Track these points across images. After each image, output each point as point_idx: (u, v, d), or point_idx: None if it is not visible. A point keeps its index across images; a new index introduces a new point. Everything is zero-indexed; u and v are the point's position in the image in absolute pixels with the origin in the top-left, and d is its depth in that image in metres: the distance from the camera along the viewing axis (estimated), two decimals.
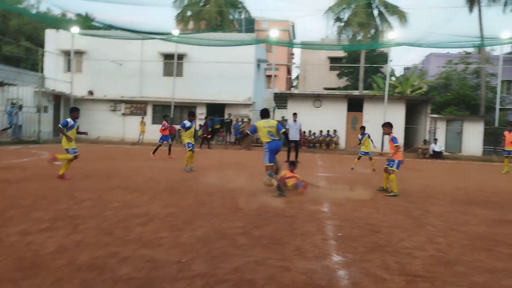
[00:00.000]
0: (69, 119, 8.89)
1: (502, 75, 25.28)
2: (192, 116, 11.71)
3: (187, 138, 11.43)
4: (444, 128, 24.61)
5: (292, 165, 8.91)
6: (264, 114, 8.14)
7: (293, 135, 15.12)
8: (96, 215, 5.33)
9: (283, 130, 7.95)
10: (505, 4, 28.40)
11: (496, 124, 24.22)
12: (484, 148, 24.63)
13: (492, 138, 24.58)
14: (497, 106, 24.59)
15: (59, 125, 8.98)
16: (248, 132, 8.17)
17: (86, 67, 27.80)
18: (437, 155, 22.04)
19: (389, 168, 8.32)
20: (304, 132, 21.58)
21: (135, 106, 27.42)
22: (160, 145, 15.12)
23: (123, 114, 27.28)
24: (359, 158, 13.62)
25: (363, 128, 13.98)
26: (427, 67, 33.98)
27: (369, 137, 13.55)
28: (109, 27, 26.42)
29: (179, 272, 3.39)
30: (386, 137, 20.37)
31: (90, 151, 17.75)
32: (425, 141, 23.09)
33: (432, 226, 5.47)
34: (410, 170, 14.14)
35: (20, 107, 21.66)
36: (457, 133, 24.53)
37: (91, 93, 27.56)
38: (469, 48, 33.48)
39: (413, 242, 4.58)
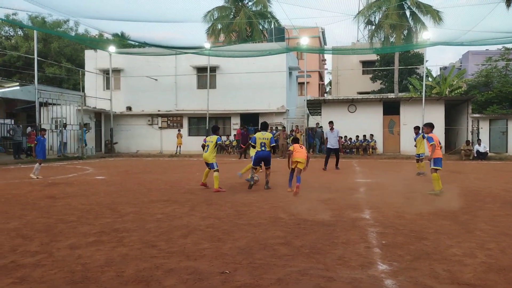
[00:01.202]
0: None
1: None
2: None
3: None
4: (487, 128, 23.58)
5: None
6: (263, 127, 9.74)
7: (332, 144, 15.32)
8: (139, 228, 5.47)
9: (274, 144, 9.54)
10: None
11: None
12: None
13: None
14: None
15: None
16: (251, 143, 9.69)
17: (124, 84, 28.81)
18: (481, 156, 21.11)
19: (431, 167, 8.51)
20: (341, 137, 21.24)
21: (171, 119, 28.07)
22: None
23: (160, 128, 27.98)
24: (418, 162, 13.18)
25: (417, 128, 13.78)
26: (465, 66, 32.83)
27: (423, 137, 12.91)
28: (144, 44, 27.25)
29: (223, 283, 3.40)
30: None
31: (130, 164, 18.30)
32: (468, 142, 22.18)
33: (481, 231, 5.23)
34: (454, 172, 13.62)
35: (65, 126, 22.67)
36: (501, 132, 23.42)
37: (129, 108, 28.48)
38: (509, 44, 32.00)
39: (462, 248, 4.40)
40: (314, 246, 4.50)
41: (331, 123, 15.82)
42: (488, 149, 22.03)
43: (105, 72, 28.34)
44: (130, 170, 15.49)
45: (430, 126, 8.94)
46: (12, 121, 26.04)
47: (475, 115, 23.88)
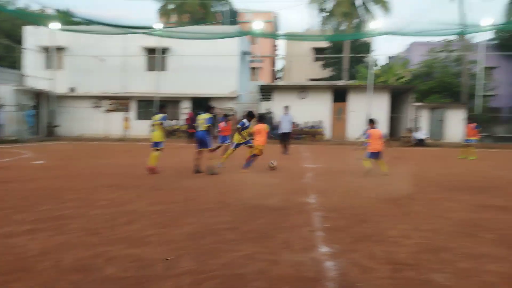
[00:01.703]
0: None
1: (483, 62, 25.65)
2: (251, 117, 10.73)
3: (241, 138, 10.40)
4: (427, 116, 24.94)
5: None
6: (204, 108, 10.16)
7: (285, 127, 15.68)
8: (81, 215, 5.26)
9: (209, 124, 9.67)
10: None
11: (478, 111, 24.63)
12: None
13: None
14: (479, 93, 24.99)
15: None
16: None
17: (67, 63, 27.28)
18: (420, 142, 22.33)
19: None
20: (294, 123, 21.60)
21: (119, 102, 27.05)
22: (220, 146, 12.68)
23: (107, 111, 26.90)
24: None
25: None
26: (410, 56, 34.28)
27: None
28: (90, 22, 25.90)
29: (167, 270, 3.37)
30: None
31: (73, 149, 17.50)
32: (408, 129, 23.36)
33: (417, 213, 5.54)
34: (394, 158, 14.29)
35: (0, 106, 21.20)
36: (439, 120, 24.87)
37: (72, 90, 27.08)
38: (451, 36, 33.82)
39: (399, 230, 4.64)
40: (261, 231, 4.56)
41: (286, 107, 16.16)
42: (427, 136, 23.33)
43: (47, 50, 26.66)
44: (73, 155, 14.83)
45: (372, 122, 10.09)
46: None
47: (417, 104, 25.13)
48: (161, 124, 9.54)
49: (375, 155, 9.67)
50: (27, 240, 4.11)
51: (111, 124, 26.48)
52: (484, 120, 27.80)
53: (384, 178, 8.99)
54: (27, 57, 27.40)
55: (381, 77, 31.94)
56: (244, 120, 10.68)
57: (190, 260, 3.58)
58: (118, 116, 26.18)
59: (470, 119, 16.13)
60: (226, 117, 13.08)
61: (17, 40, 30.70)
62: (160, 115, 9.63)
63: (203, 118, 9.71)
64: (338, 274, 3.30)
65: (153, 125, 9.69)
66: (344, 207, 5.86)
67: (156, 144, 9.56)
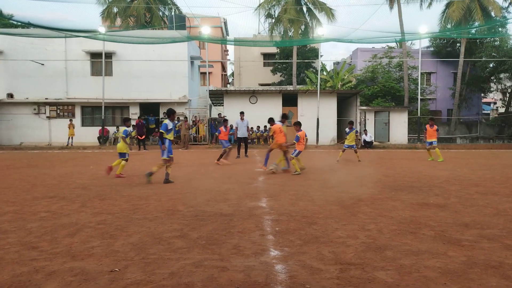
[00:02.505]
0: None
1: (421, 68, 27.21)
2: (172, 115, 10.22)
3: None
4: (372, 119, 26.02)
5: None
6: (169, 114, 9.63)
7: (242, 133, 16.34)
8: (18, 228, 4.93)
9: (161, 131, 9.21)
10: (421, 1, 30.57)
11: (419, 114, 26.07)
12: (409, 136, 26.45)
13: (416, 127, 26.44)
14: (419, 97, 26.46)
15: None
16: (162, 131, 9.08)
17: (3, 68, 25.64)
18: (368, 145, 23.22)
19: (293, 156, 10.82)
20: (250, 127, 21.77)
21: (62, 108, 25.82)
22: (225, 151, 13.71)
23: (49, 117, 25.59)
24: (343, 151, 15.15)
25: (351, 123, 15.27)
26: (355, 62, 35.67)
27: (356, 132, 15.13)
28: (28, 24, 24.54)
29: (112, 282, 3.23)
30: (320, 131, 21.27)
31: (11, 158, 16.45)
32: (356, 132, 24.21)
33: (364, 214, 5.73)
34: (344, 161, 14.75)
35: None
36: (384, 123, 26.02)
37: (10, 95, 25.49)
38: (392, 43, 35.65)
39: (347, 231, 4.77)
40: (211, 237, 4.50)
41: (242, 113, 16.63)
42: (373, 138, 24.32)
43: None
44: (11, 164, 13.93)
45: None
46: None
47: (362, 108, 26.15)
48: (124, 137, 10.27)
49: (300, 153, 10.97)
50: None
51: (54, 131, 25.23)
52: (425, 122, 29.49)
53: (334, 180, 9.24)
54: None
55: (329, 82, 32.94)
56: (168, 122, 10.13)
57: (137, 271, 3.46)
58: (61, 122, 24.98)
59: (432, 120, 15.82)
60: (225, 122, 14.64)
61: None
62: (123, 129, 10.46)
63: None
64: (287, 277, 3.32)
65: (116, 137, 10.44)
66: (294, 210, 5.94)
67: (121, 155, 10.32)
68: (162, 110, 25.51)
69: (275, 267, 3.55)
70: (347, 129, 15.10)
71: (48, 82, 25.32)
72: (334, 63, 41.35)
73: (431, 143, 15.25)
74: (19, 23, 29.51)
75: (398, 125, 25.92)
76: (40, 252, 3.99)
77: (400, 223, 5.13)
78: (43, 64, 25.20)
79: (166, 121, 9.20)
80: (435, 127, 15.39)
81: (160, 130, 9.11)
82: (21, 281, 3.26)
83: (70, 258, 3.81)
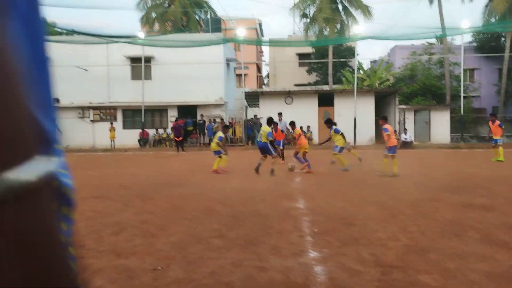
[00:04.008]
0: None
1: (464, 64, 26.16)
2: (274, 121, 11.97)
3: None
4: (412, 118, 25.28)
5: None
6: (267, 122, 11.31)
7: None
8: None
9: (271, 138, 10.75)
10: None
11: (462, 112, 25.06)
12: (451, 135, 25.46)
13: (459, 126, 25.43)
14: (462, 94, 25.44)
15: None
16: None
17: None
18: (407, 145, 22.60)
19: (391, 155, 10.18)
20: (288, 128, 21.62)
21: (104, 112, 26.83)
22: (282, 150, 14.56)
23: (92, 121, 26.64)
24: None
25: (329, 121, 13.32)
26: (393, 59, 34.79)
27: (336, 131, 12.61)
28: (72, 32, 25.68)
29: (155, 280, 3.33)
30: (358, 131, 20.68)
31: None
32: (395, 132, 23.63)
33: (405, 215, 5.59)
34: (381, 161, 14.41)
35: None
36: (425, 122, 25.23)
37: (57, 100, 26.75)
38: (432, 39, 34.48)
39: (387, 232, 4.67)
40: (249, 237, 4.54)
41: (280, 114, 16.40)
42: (413, 138, 23.63)
43: None
44: None
45: (384, 119, 10.80)
46: None
47: (401, 106, 25.47)
48: (218, 142, 11.13)
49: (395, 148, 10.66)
50: None
51: (98, 134, 26.24)
52: (468, 121, 28.31)
53: (373, 180, 9.07)
54: None
55: (366, 81, 32.33)
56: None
57: (178, 269, 3.55)
58: (104, 126, 25.94)
59: (493, 115, 14.61)
60: (275, 124, 14.08)
61: None
62: (219, 134, 11.38)
63: (264, 131, 10.80)
64: (327, 279, 3.30)
65: (211, 139, 11.68)
66: (332, 211, 5.89)
67: (216, 152, 11.35)
68: (199, 112, 25.94)
69: (314, 268, 3.54)
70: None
71: (91, 87, 26.38)
72: (371, 62, 40.53)
73: (496, 141, 13.99)
74: (63, 31, 30.91)
75: (440, 124, 25.03)
76: (87, 250, 4.17)
77: (443, 225, 4.97)
78: (86, 70, 26.28)
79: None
80: (497, 122, 14.05)
81: (270, 139, 10.67)
82: None
83: (115, 256, 3.96)
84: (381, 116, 11.21)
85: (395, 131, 23.58)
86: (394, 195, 7.17)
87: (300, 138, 11.72)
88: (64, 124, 26.36)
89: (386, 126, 10.33)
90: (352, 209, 6.02)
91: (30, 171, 0.36)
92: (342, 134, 12.24)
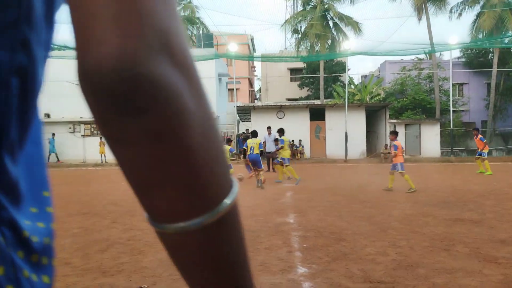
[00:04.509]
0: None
1: (453, 79, 26.57)
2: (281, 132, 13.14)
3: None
4: (403, 132, 25.48)
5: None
6: (253, 134, 11.91)
7: (269, 147, 16.25)
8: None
9: (262, 149, 11.51)
10: (451, 11, 30.05)
11: (451, 126, 25.35)
12: (442, 149, 25.69)
13: (449, 139, 25.69)
14: (451, 108, 25.77)
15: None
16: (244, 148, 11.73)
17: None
18: None
19: (395, 172, 9.91)
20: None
21: (95, 127, 26.61)
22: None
23: (83, 136, 26.48)
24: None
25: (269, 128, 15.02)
26: (383, 74, 35.26)
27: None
28: (65, 47, 25.69)
29: None
30: (349, 145, 20.76)
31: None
32: (386, 146, 23.78)
33: (394, 230, 5.58)
34: (372, 175, 14.48)
35: None
36: (415, 136, 25.45)
37: (47, 115, 26.60)
38: (421, 55, 35.06)
39: (376, 247, 4.66)
40: None
41: (269, 128, 16.55)
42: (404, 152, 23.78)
43: None
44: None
45: (395, 134, 10.39)
46: None
47: (392, 120, 25.70)
48: (229, 153, 11.98)
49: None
50: None
51: (88, 149, 26.05)
52: (458, 135, 28.64)
53: (362, 195, 9.08)
54: None
55: (357, 96, 32.66)
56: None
57: (165, 287, 3.50)
58: (95, 140, 25.77)
59: (476, 130, 15.03)
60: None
61: None
62: (229, 147, 12.16)
63: (255, 143, 11.30)
64: None
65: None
66: (322, 226, 5.86)
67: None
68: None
69: (302, 285, 3.50)
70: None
71: (82, 101, 26.18)
72: (362, 77, 41.03)
73: (480, 154, 14.39)
74: (55, 46, 30.90)
75: (430, 138, 25.26)
76: (73, 268, 4.09)
77: (432, 240, 4.97)
78: (78, 85, 26.21)
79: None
80: (479, 136, 14.49)
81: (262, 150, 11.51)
82: None
83: (100, 274, 3.89)
84: (391, 131, 10.96)
85: (387, 145, 23.77)
86: (384, 210, 7.17)
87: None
88: (55, 139, 26.17)
89: (396, 143, 10.12)
90: (342, 224, 6.01)
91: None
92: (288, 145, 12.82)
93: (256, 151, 11.12)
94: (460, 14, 30.13)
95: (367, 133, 25.33)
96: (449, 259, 4.15)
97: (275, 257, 4.32)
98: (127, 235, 5.54)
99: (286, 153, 12.59)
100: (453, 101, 26.73)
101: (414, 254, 4.39)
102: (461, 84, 35.10)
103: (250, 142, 11.39)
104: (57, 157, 24.98)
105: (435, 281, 3.54)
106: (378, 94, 32.98)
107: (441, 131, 25.75)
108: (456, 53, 35.31)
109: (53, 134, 25.70)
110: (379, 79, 33.96)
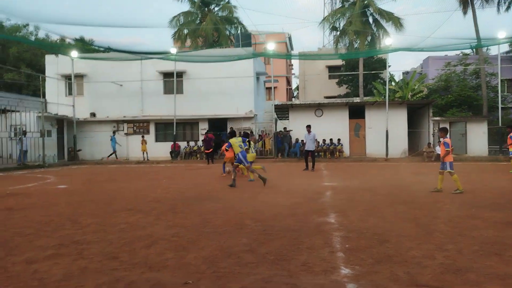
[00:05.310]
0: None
1: (501, 74, 25.25)
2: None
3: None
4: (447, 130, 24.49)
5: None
6: (233, 134, 11.75)
7: (309, 146, 16.40)
8: (100, 239, 5.31)
9: (246, 141, 11.81)
10: (498, 4, 28.57)
11: (500, 124, 24.10)
12: (489, 148, 24.48)
13: (497, 138, 24.44)
14: (500, 105, 24.52)
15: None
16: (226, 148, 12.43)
17: (87, 89, 28.04)
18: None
19: (445, 171, 9.40)
20: (317, 140, 21.35)
21: (138, 125, 27.56)
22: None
23: (126, 134, 27.39)
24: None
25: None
26: (426, 71, 34.05)
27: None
28: (108, 49, 26.66)
29: None
30: (390, 143, 20.30)
31: (94, 172, 17.79)
32: (429, 144, 22.99)
33: (440, 232, 5.39)
34: (415, 174, 14.05)
35: (24, 133, 21.80)
36: (461, 134, 24.42)
37: (93, 114, 27.74)
38: (467, 50, 33.54)
39: (422, 250, 4.52)
40: (279, 253, 4.50)
41: (308, 126, 16.56)
42: None
43: (67, 77, 27.48)
44: (94, 178, 15.06)
45: (444, 131, 9.91)
46: None
47: (435, 118, 24.77)
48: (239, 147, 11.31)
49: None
50: (50, 266, 4.16)
51: (131, 147, 26.91)
52: (507, 133, 27.20)
53: (406, 195, 8.84)
54: (49, 85, 28.27)
55: (398, 93, 31.75)
56: None
57: (209, 284, 3.55)
58: (138, 139, 26.60)
59: (509, 127, 14.67)
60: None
61: (39, 69, 31.77)
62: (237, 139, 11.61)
63: (240, 141, 11.33)
64: None
65: (246, 148, 12.06)
66: (364, 227, 5.76)
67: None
68: (229, 125, 26.18)
69: (346, 286, 3.46)
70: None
71: (126, 101, 27.22)
72: (403, 73, 39.85)
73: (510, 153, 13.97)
74: (100, 48, 32.12)
75: (477, 136, 24.14)
76: (120, 263, 4.25)
77: (482, 244, 4.76)
78: (121, 85, 27.16)
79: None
80: (510, 133, 14.05)
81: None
82: None
83: (147, 269, 4.02)
84: (440, 128, 10.43)
85: (430, 144, 22.96)
86: (429, 211, 6.94)
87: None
88: (100, 137, 27.23)
89: (447, 140, 9.65)
90: (385, 225, 5.87)
91: None
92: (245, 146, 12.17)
93: (243, 149, 11.36)
94: (508, 7, 28.59)
95: (409, 131, 24.58)
96: (501, 264, 3.96)
97: (317, 257, 4.29)
98: (171, 231, 5.68)
99: (249, 156, 12.41)
100: (501, 97, 25.41)
101: (462, 258, 4.22)
102: (510, 80, 33.29)
103: (236, 140, 11.34)
104: (116, 155, 25.84)
105: (486, 287, 3.39)
106: (421, 91, 31.91)
107: (488, 129, 24.53)
108: (505, 48, 33.57)
109: (114, 132, 26.68)
110: (422, 75, 32.83)
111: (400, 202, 7.98)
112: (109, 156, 25.97)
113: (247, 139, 12.40)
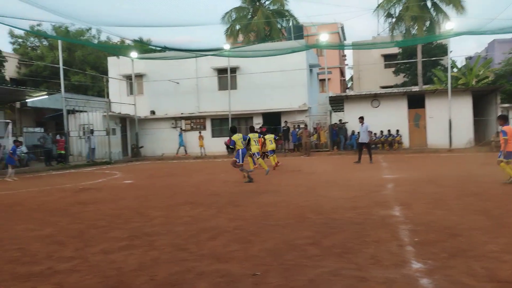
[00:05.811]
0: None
1: None
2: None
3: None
4: None
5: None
6: (235, 130, 11.83)
7: (362, 138, 16.09)
8: (168, 231, 5.53)
9: (247, 139, 12.14)
10: None
11: None
12: None
13: None
14: None
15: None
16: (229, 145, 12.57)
17: (147, 88, 29.26)
18: None
19: (498, 159, 8.91)
20: (370, 132, 20.67)
21: (195, 122, 28.34)
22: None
23: (184, 130, 28.27)
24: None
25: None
26: (491, 55, 31.84)
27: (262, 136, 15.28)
28: (164, 48, 27.57)
29: (256, 285, 3.40)
30: (454, 133, 19.28)
31: (155, 168, 18.58)
32: (497, 133, 21.50)
33: None
34: (484, 165, 13.23)
35: (92, 132, 23.19)
36: None
37: (153, 112, 28.91)
38: None
39: (499, 244, 4.25)
40: (345, 246, 4.44)
41: (361, 118, 16.13)
42: None
43: (128, 77, 28.83)
44: (156, 173, 15.72)
45: (503, 119, 9.35)
46: (42, 130, 26.83)
47: (504, 105, 23.12)
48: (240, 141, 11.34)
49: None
50: (125, 256, 4.41)
51: (189, 142, 27.73)
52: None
53: (474, 187, 8.35)
54: (112, 86, 29.83)
55: (461, 80, 30.00)
56: None
57: (277, 276, 3.59)
58: (195, 135, 27.38)
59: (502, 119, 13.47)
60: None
61: (102, 70, 33.59)
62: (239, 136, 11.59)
63: (240, 138, 11.29)
64: None
65: (270, 140, 14.90)
66: (432, 220, 5.52)
67: (271, 152, 15.10)
68: (283, 119, 26.15)
69: (419, 281, 3.34)
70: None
71: (182, 98, 28.09)
72: (466, 59, 37.52)
73: None
74: (157, 48, 33.30)
75: None
76: (189, 254, 4.41)
77: None
78: (178, 83, 28.06)
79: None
80: None
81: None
82: (177, 279, 3.64)
83: (215, 260, 4.13)
84: (499, 115, 9.79)
85: (497, 132, 21.48)
86: (501, 203, 6.51)
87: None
88: (159, 134, 28.35)
89: (505, 128, 8.87)
90: (454, 218, 5.59)
91: None
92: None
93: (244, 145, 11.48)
94: None
95: (474, 120, 23.15)
96: None
97: (386, 251, 4.18)
98: (233, 224, 5.79)
99: (254, 148, 12.95)
100: None
101: None
102: None
103: (237, 137, 11.23)
104: (185, 150, 26.82)
105: None
106: (487, 77, 29.88)
107: None
108: None
109: (181, 129, 27.78)
110: (487, 60, 30.72)
111: (468, 194, 7.57)
112: (185, 153, 26.83)
113: (258, 135, 13.35)
